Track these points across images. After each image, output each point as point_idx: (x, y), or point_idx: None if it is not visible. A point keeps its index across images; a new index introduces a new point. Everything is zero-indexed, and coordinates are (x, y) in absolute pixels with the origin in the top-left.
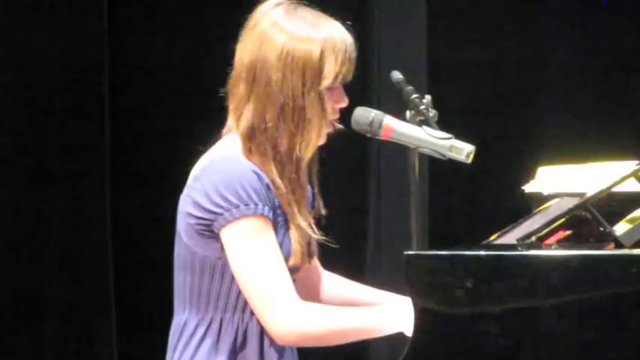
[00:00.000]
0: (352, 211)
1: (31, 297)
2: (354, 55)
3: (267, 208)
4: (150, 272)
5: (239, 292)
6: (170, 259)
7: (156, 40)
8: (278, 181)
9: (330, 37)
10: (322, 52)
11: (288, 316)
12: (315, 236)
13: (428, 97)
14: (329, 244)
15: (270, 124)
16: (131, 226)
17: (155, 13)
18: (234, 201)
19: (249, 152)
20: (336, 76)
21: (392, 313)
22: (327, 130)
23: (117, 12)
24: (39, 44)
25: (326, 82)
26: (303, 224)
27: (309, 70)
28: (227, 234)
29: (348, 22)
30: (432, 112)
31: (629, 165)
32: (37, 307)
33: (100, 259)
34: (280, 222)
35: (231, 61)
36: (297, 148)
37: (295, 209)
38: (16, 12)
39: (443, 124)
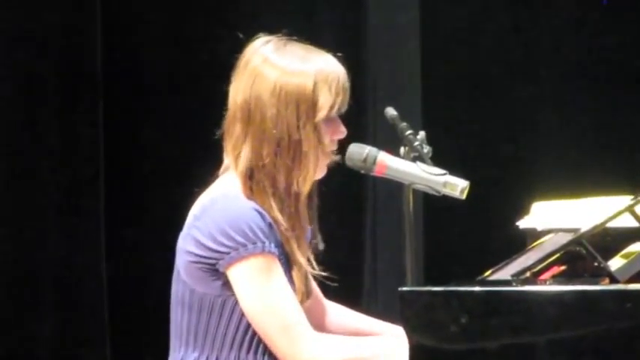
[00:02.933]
0: (348, 246)
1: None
2: (347, 85)
3: (273, 245)
4: (145, 308)
5: (236, 330)
6: (166, 294)
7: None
8: (279, 217)
9: (322, 69)
10: (315, 85)
11: (308, 348)
12: (314, 272)
13: (422, 134)
14: (327, 281)
15: (267, 161)
16: (126, 263)
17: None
18: (241, 240)
19: (250, 191)
20: (332, 107)
21: (398, 344)
22: (325, 162)
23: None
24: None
25: (322, 113)
26: (302, 260)
27: (303, 104)
28: (236, 272)
29: (339, 54)
30: (427, 149)
31: (623, 200)
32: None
33: (94, 295)
34: (282, 259)
35: (226, 101)
36: (295, 182)
37: (295, 245)
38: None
39: (437, 160)
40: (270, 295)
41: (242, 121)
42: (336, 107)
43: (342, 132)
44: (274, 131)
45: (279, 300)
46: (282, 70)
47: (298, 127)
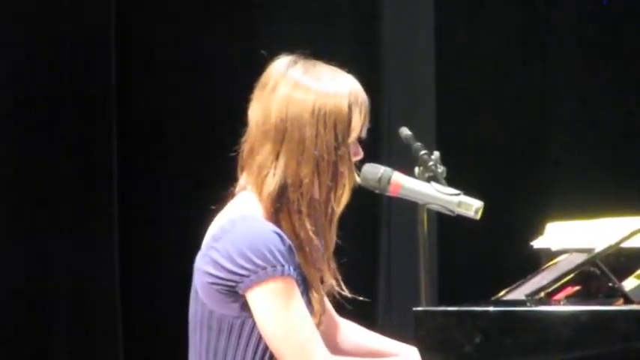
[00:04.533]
0: (362, 267)
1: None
2: (369, 107)
3: (292, 268)
4: (160, 327)
5: (255, 352)
6: (182, 314)
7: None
8: (313, 237)
9: (353, 91)
10: (350, 106)
11: None
12: (344, 292)
13: (436, 154)
14: (346, 303)
15: (306, 180)
16: (142, 280)
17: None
18: (261, 263)
19: (276, 211)
20: (361, 128)
21: None
22: (353, 182)
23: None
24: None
25: (354, 134)
26: (332, 282)
27: (340, 124)
28: (255, 296)
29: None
30: (441, 169)
31: (637, 220)
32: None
33: (108, 314)
34: (300, 282)
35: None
36: (332, 201)
37: (325, 266)
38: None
39: (451, 180)
40: (288, 318)
41: (274, 141)
42: (364, 128)
43: (361, 153)
44: (315, 151)
45: (296, 323)
46: (317, 92)
47: (335, 147)
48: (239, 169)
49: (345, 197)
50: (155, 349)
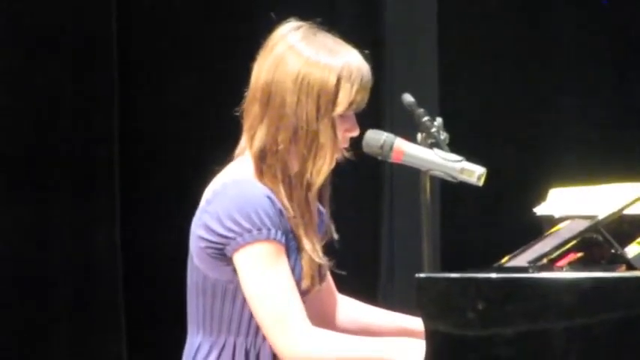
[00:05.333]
0: (365, 234)
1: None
2: (369, 84)
3: (279, 233)
4: (161, 290)
5: (251, 316)
6: (183, 276)
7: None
8: (287, 203)
9: (347, 65)
10: (338, 80)
11: (298, 341)
12: (320, 261)
13: (439, 120)
14: (336, 269)
15: (281, 147)
16: (141, 244)
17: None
18: (247, 226)
19: (260, 173)
20: (350, 105)
21: (403, 347)
22: (337, 156)
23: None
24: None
25: (339, 108)
26: (308, 248)
27: (324, 97)
28: (239, 258)
29: (366, 51)
30: (443, 135)
31: None
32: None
33: (109, 272)
34: (292, 246)
35: (248, 80)
36: (309, 172)
37: (302, 232)
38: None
39: (454, 146)
40: (270, 282)
41: (261, 103)
42: (355, 105)
43: (356, 131)
44: (293, 118)
45: (276, 289)
46: (307, 60)
47: (317, 118)
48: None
49: (324, 170)
50: (157, 319)
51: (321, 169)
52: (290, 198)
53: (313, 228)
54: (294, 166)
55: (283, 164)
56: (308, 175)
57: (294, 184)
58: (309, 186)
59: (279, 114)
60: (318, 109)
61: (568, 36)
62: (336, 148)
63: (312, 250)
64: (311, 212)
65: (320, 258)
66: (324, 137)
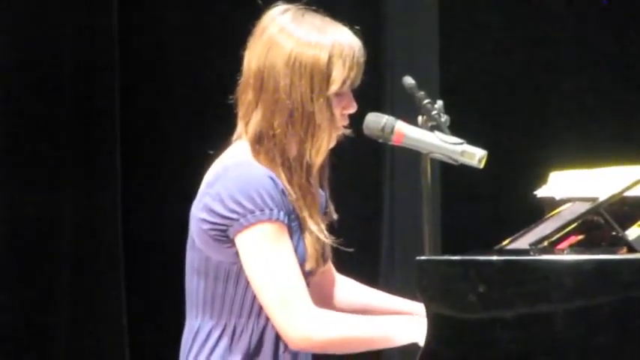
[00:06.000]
0: (365, 216)
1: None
2: (362, 60)
3: (282, 214)
4: (161, 275)
5: (254, 297)
6: (181, 263)
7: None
8: (287, 186)
9: (337, 43)
10: (330, 58)
11: (301, 322)
12: (327, 240)
13: (440, 103)
14: (342, 248)
15: (278, 131)
16: (142, 228)
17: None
18: (250, 206)
19: (258, 157)
20: (344, 82)
21: (406, 325)
22: (336, 135)
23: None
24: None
25: (334, 87)
26: (314, 228)
27: (317, 76)
28: (242, 239)
29: (357, 27)
30: (444, 118)
31: None
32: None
33: (111, 262)
34: (295, 227)
35: (240, 68)
36: (307, 154)
37: (306, 214)
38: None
39: (455, 129)
40: (273, 264)
41: (254, 89)
42: (349, 82)
43: (353, 107)
44: (287, 101)
45: (280, 270)
46: (297, 41)
47: (312, 99)
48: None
49: (322, 150)
50: (158, 307)
51: (319, 150)
52: (290, 181)
53: (317, 208)
54: (293, 149)
55: (281, 148)
56: (307, 157)
57: (293, 167)
58: (309, 167)
59: (273, 98)
60: (312, 90)
61: (570, 26)
62: (334, 127)
63: (319, 230)
64: (313, 194)
65: (327, 237)
66: (321, 117)
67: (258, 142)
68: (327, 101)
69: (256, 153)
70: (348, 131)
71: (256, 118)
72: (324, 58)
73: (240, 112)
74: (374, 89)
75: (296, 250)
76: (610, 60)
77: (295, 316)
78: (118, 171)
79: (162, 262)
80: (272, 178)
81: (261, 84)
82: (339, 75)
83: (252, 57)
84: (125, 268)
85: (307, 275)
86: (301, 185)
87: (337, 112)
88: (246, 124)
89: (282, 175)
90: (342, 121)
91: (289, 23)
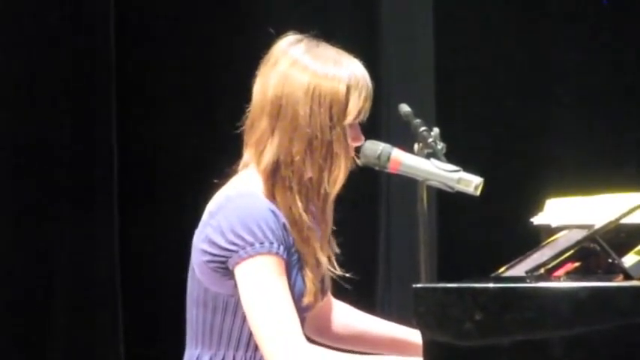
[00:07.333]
0: (362, 244)
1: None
2: (372, 92)
3: (282, 248)
4: (160, 300)
5: (250, 330)
6: (182, 288)
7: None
8: (304, 215)
9: (353, 75)
10: (348, 90)
11: (292, 357)
12: (337, 272)
13: (436, 130)
14: (345, 283)
15: (297, 158)
16: (140, 257)
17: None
18: (249, 239)
19: (272, 187)
20: (359, 112)
21: None
22: (350, 165)
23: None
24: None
25: (350, 117)
26: (324, 260)
27: (336, 106)
28: (240, 271)
29: (360, 61)
30: (440, 145)
31: (637, 197)
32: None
33: (108, 290)
34: (294, 261)
35: (249, 97)
36: (325, 182)
37: (317, 245)
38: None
39: (450, 157)
40: (265, 297)
41: (270, 116)
42: (362, 113)
43: (361, 139)
44: (307, 129)
45: (272, 303)
46: (315, 72)
47: (330, 128)
48: (244, 145)
49: (340, 179)
50: (156, 332)
51: (337, 179)
52: (306, 209)
53: (326, 239)
54: (311, 178)
55: (299, 175)
56: (325, 185)
57: (310, 194)
58: (325, 196)
59: (292, 125)
60: (330, 119)
61: (567, 44)
62: (348, 157)
63: (328, 261)
64: (327, 223)
65: (335, 268)
66: (338, 147)
67: (275, 169)
68: (344, 131)
69: (271, 182)
70: (357, 162)
71: (272, 145)
72: (342, 88)
73: (252, 139)
74: (370, 117)
75: (294, 285)
76: (609, 86)
77: (286, 350)
78: (114, 205)
79: (159, 295)
80: (273, 212)
81: (279, 111)
82: (354, 106)
83: (267, 86)
84: (122, 306)
85: (305, 310)
86: (316, 214)
87: (349, 142)
88: (260, 152)
89: (298, 203)
90: (352, 152)
91: (304, 54)
